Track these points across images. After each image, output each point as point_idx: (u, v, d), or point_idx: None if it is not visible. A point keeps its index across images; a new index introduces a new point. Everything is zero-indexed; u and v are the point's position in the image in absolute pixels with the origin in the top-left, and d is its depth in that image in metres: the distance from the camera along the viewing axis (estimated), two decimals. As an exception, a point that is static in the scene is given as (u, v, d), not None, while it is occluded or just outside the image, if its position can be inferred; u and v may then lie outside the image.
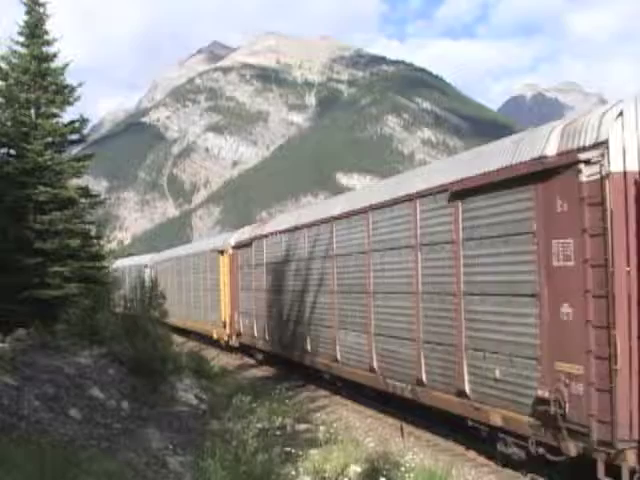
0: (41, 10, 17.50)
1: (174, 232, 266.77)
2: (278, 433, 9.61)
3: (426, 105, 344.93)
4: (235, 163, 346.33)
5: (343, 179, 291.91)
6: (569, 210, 6.97)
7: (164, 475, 7.20)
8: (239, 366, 18.88)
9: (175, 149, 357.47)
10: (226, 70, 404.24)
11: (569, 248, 6.98)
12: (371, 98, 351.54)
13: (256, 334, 18.23)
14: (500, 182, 8.03)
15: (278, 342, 16.54)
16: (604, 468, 6.55)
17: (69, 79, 18.04)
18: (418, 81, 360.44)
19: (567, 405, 6.90)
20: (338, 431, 10.10)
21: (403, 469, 7.76)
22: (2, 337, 11.99)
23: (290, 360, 15.85)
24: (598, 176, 6.66)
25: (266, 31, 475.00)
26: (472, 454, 9.12)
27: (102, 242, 20.53)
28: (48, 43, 17.61)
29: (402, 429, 10.36)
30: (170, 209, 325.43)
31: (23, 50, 17.47)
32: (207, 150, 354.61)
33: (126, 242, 69.70)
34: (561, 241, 7.09)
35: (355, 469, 7.79)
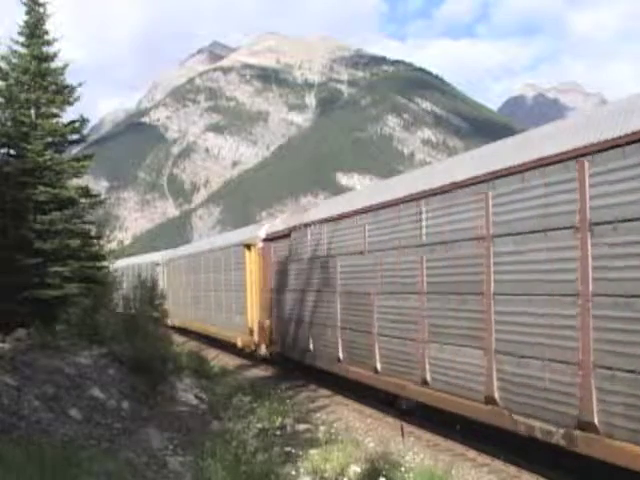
0: (41, 10, 17.47)
1: (174, 232, 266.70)
2: (278, 433, 9.61)
3: (426, 105, 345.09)
4: (235, 163, 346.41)
5: (343, 179, 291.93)
6: None
7: (164, 475, 7.20)
8: (239, 366, 18.86)
9: (175, 149, 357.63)
10: (226, 70, 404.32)
11: None
12: (371, 98, 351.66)
13: (296, 344, 15.09)
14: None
15: (326, 357, 13.31)
16: None
17: (69, 79, 18.04)
18: (418, 81, 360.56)
19: None
20: (338, 431, 10.10)
21: (403, 469, 7.76)
22: (2, 337, 11.99)
23: (346, 379, 12.67)
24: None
25: (266, 31, 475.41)
26: (472, 454, 9.11)
27: (102, 242, 20.49)
28: (48, 43, 17.60)
29: (402, 429, 10.36)
30: (170, 209, 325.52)
31: (23, 50, 17.45)
32: (207, 150, 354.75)
33: (126, 242, 69.63)
34: None
35: (355, 469, 7.79)
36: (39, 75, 17.27)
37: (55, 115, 17.78)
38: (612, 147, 6.42)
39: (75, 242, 16.35)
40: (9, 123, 16.82)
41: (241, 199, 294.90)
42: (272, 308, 16.99)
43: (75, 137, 18.25)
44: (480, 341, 8.38)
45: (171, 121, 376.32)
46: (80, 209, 17.64)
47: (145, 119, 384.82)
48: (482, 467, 8.57)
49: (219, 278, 22.71)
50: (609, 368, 6.40)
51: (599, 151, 6.56)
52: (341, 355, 12.51)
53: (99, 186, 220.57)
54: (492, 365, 8.17)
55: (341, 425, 10.84)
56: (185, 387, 12.05)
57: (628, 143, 6.24)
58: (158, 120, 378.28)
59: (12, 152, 16.84)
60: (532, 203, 7.47)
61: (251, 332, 18.50)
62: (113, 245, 25.82)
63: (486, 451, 8.98)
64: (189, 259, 28.14)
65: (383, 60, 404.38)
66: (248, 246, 18.74)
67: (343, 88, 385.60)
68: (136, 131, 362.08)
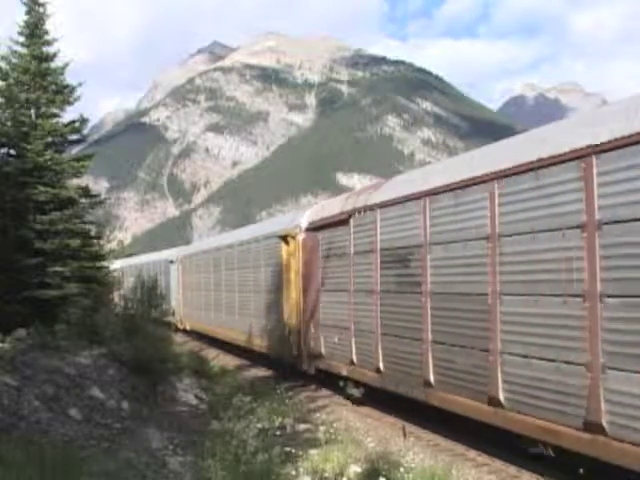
0: (41, 10, 17.48)
1: (174, 232, 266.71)
2: (278, 433, 9.61)
3: (426, 105, 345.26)
4: (235, 163, 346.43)
5: (343, 179, 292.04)
6: None
7: (164, 475, 7.20)
8: (239, 366, 18.85)
9: (175, 149, 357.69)
10: (226, 70, 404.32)
11: None
12: (371, 98, 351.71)
13: (355, 359, 11.93)
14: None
15: (406, 378, 10.15)
16: None
17: (69, 79, 18.05)
18: (418, 81, 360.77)
19: None
20: (338, 431, 10.10)
21: (403, 469, 7.76)
22: (2, 337, 11.98)
23: (437, 409, 9.56)
24: None
25: (266, 31, 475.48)
26: (472, 454, 9.11)
27: (102, 242, 20.49)
28: (48, 43, 17.61)
29: (404, 429, 10.36)
30: (170, 209, 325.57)
31: (23, 50, 17.46)
32: (207, 150, 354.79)
33: (126, 242, 69.68)
34: None
35: (355, 469, 7.79)
36: (39, 75, 17.28)
37: (55, 115, 17.78)
38: None
39: (75, 242, 16.35)
40: (9, 123, 16.82)
41: (241, 199, 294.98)
42: (319, 313, 13.69)
43: (75, 137, 18.26)
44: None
45: (171, 121, 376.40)
46: (80, 209, 17.64)
47: (145, 119, 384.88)
48: (482, 467, 8.57)
49: (246, 276, 19.52)
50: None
51: None
52: (432, 377, 9.39)
53: (99, 186, 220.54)
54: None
55: (341, 425, 10.84)
56: (185, 387, 12.06)
57: None
58: (158, 120, 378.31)
59: (12, 152, 16.84)
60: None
61: (289, 340, 15.37)
62: (113, 245, 25.81)
63: (486, 451, 8.98)
64: (208, 255, 24.82)
65: (383, 60, 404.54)
66: (284, 238, 15.51)
67: (343, 88, 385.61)
68: (136, 131, 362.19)
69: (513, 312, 7.85)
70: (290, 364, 15.38)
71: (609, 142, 6.49)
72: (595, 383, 6.56)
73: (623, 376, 6.25)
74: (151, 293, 14.31)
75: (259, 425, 9.77)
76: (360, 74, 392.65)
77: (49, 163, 16.62)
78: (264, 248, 17.62)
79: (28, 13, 17.42)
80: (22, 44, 17.48)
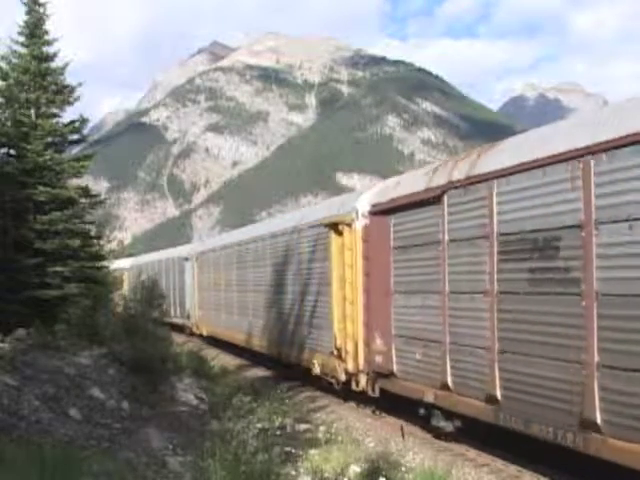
0: (41, 10, 17.50)
1: (174, 232, 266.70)
2: (278, 433, 9.60)
3: (426, 105, 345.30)
4: (235, 163, 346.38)
5: (343, 179, 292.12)
6: None
7: (164, 475, 7.20)
8: (239, 366, 18.85)
9: (175, 149, 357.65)
10: (226, 70, 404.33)
11: None
12: (371, 98, 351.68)
13: (451, 382, 9.10)
14: None
15: (545, 415, 7.29)
16: None
17: (69, 79, 18.08)
18: (418, 81, 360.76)
19: None
20: (338, 431, 10.11)
21: (403, 469, 7.76)
22: (2, 337, 11.99)
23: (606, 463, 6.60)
24: None
25: (266, 31, 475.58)
26: (472, 454, 9.12)
27: (102, 242, 20.49)
28: (48, 43, 17.62)
29: (402, 429, 10.36)
30: (170, 209, 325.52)
31: (23, 50, 17.47)
32: (207, 150, 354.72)
33: (126, 242, 69.67)
34: None
35: (355, 469, 7.79)
36: (39, 75, 17.28)
37: (55, 115, 17.80)
38: None
39: (75, 242, 16.35)
40: (9, 123, 16.83)
41: (241, 199, 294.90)
42: (389, 320, 10.77)
43: (75, 137, 18.29)
44: None
45: (171, 121, 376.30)
46: (80, 209, 17.65)
47: (145, 119, 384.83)
48: (482, 467, 8.57)
49: (281, 274, 16.23)
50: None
51: None
52: (598, 416, 6.52)
53: (99, 186, 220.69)
54: None
55: (341, 425, 10.84)
56: (185, 387, 12.05)
57: None
58: (158, 120, 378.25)
59: (12, 152, 16.84)
60: None
61: (340, 354, 12.27)
62: (113, 245, 25.78)
63: (486, 451, 8.98)
64: (231, 250, 21.55)
65: (383, 60, 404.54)
66: (335, 226, 12.58)
67: (343, 88, 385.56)
68: (136, 131, 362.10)
69: None
70: (340, 383, 12.45)
71: None
72: None
73: None
74: (152, 294, 14.29)
75: (259, 425, 9.77)
76: (360, 74, 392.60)
77: (49, 163, 16.63)
78: (306, 240, 14.60)
79: (28, 13, 17.43)
80: (22, 44, 17.49)
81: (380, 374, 11.10)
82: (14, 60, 17.43)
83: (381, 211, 11.18)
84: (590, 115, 8.47)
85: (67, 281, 16.00)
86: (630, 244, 6.23)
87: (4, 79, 17.33)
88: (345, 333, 12.12)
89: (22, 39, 17.50)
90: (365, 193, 12.44)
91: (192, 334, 26.86)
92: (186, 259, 28.45)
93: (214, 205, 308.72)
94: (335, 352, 12.39)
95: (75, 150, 19.62)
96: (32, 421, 8.08)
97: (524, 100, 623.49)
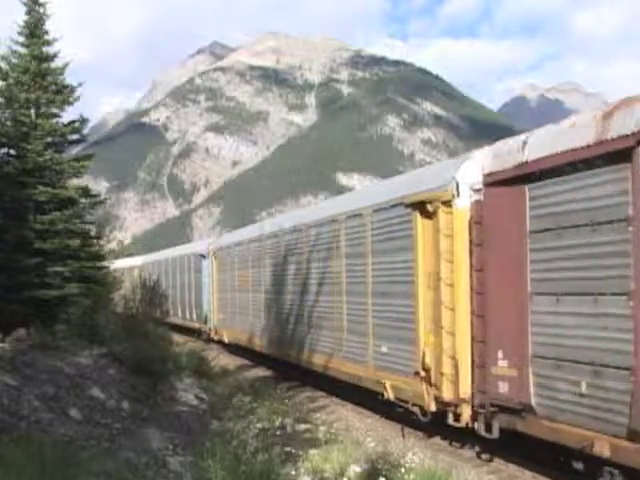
0: (41, 10, 17.50)
1: (174, 232, 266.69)
2: (278, 433, 9.60)
3: (426, 105, 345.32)
4: (235, 163, 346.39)
5: (343, 179, 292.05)
6: None
7: (164, 475, 7.19)
8: (239, 366, 18.85)
9: (175, 149, 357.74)
10: (226, 70, 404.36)
11: None
12: (371, 98, 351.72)
13: None
14: None
15: None
16: None
17: (69, 79, 18.07)
18: (418, 81, 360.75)
19: None
20: (338, 431, 10.11)
21: (403, 469, 7.76)
22: (2, 337, 11.99)
23: None
24: None
25: (267, 31, 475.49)
26: (472, 454, 9.12)
27: (102, 242, 20.49)
28: (48, 43, 17.62)
29: (402, 430, 10.36)
30: (170, 209, 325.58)
31: (23, 50, 17.48)
32: (207, 150, 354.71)
33: (126, 242, 69.66)
34: None
35: (355, 469, 7.79)
36: (39, 75, 17.28)
37: (55, 115, 17.80)
38: None
39: (75, 242, 16.36)
40: (9, 123, 16.84)
41: (241, 199, 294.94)
42: (524, 335, 7.52)
43: (75, 137, 18.28)
44: None
45: (171, 121, 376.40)
46: (80, 209, 17.66)
47: (145, 119, 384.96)
48: (482, 467, 8.57)
49: (332, 270, 12.95)
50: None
51: None
52: None
53: (99, 186, 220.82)
54: None
55: (341, 425, 10.84)
56: (185, 387, 12.04)
57: None
58: (158, 120, 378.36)
59: (12, 152, 16.85)
60: None
61: (429, 377, 9.47)
62: (113, 245, 25.77)
63: (486, 451, 8.98)
64: (261, 244, 17.95)
65: (383, 60, 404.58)
66: (422, 206, 9.70)
67: (343, 88, 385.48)
68: (136, 131, 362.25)
69: None
70: (428, 413, 9.60)
71: None
72: None
73: None
74: (154, 294, 14.28)
75: (259, 425, 9.77)
76: (360, 74, 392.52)
77: (49, 163, 16.63)
78: (372, 226, 11.32)
79: (28, 13, 17.43)
80: (22, 44, 17.50)
81: (503, 408, 7.95)
82: (14, 60, 17.43)
83: (505, 181, 7.96)
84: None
85: (67, 281, 16.00)
86: None
87: (4, 79, 17.33)
88: (440, 349, 9.18)
89: (22, 39, 17.51)
90: (469, 160, 9.29)
91: (210, 340, 23.80)
92: (203, 256, 25.25)
93: (214, 205, 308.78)
94: (422, 373, 9.55)
95: (75, 150, 19.62)
96: (32, 421, 8.07)
97: (524, 100, 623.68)
